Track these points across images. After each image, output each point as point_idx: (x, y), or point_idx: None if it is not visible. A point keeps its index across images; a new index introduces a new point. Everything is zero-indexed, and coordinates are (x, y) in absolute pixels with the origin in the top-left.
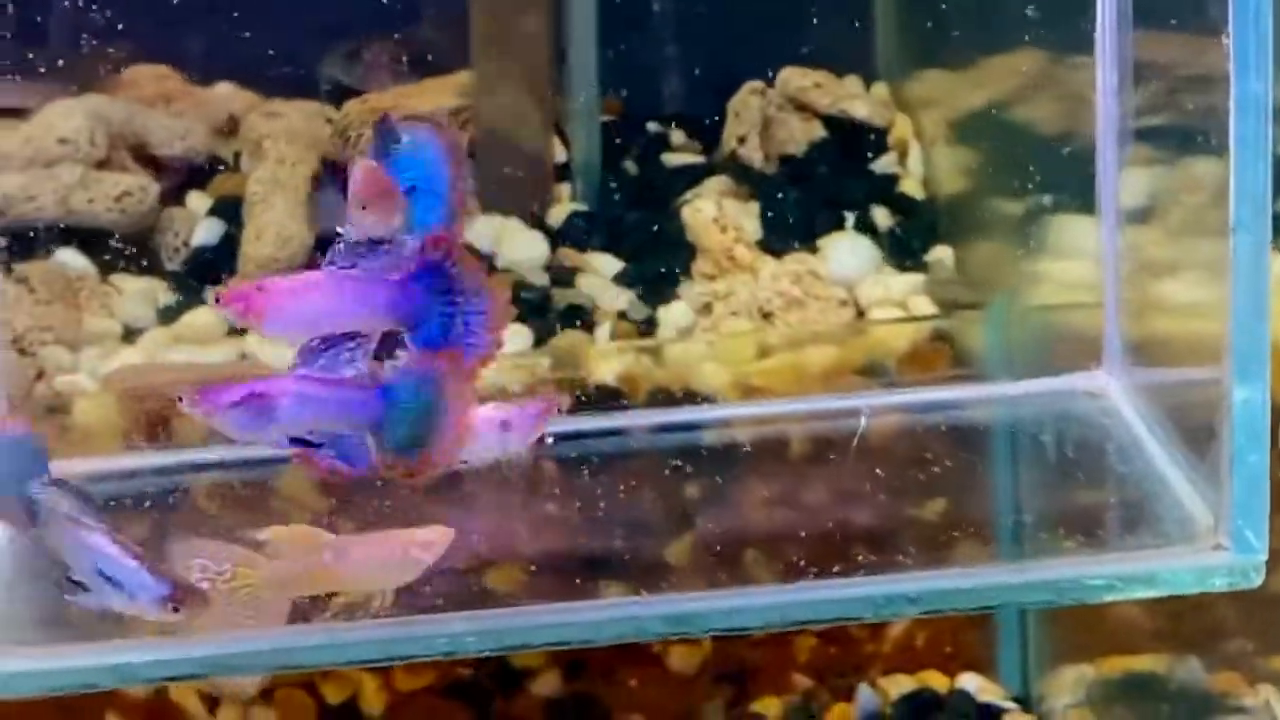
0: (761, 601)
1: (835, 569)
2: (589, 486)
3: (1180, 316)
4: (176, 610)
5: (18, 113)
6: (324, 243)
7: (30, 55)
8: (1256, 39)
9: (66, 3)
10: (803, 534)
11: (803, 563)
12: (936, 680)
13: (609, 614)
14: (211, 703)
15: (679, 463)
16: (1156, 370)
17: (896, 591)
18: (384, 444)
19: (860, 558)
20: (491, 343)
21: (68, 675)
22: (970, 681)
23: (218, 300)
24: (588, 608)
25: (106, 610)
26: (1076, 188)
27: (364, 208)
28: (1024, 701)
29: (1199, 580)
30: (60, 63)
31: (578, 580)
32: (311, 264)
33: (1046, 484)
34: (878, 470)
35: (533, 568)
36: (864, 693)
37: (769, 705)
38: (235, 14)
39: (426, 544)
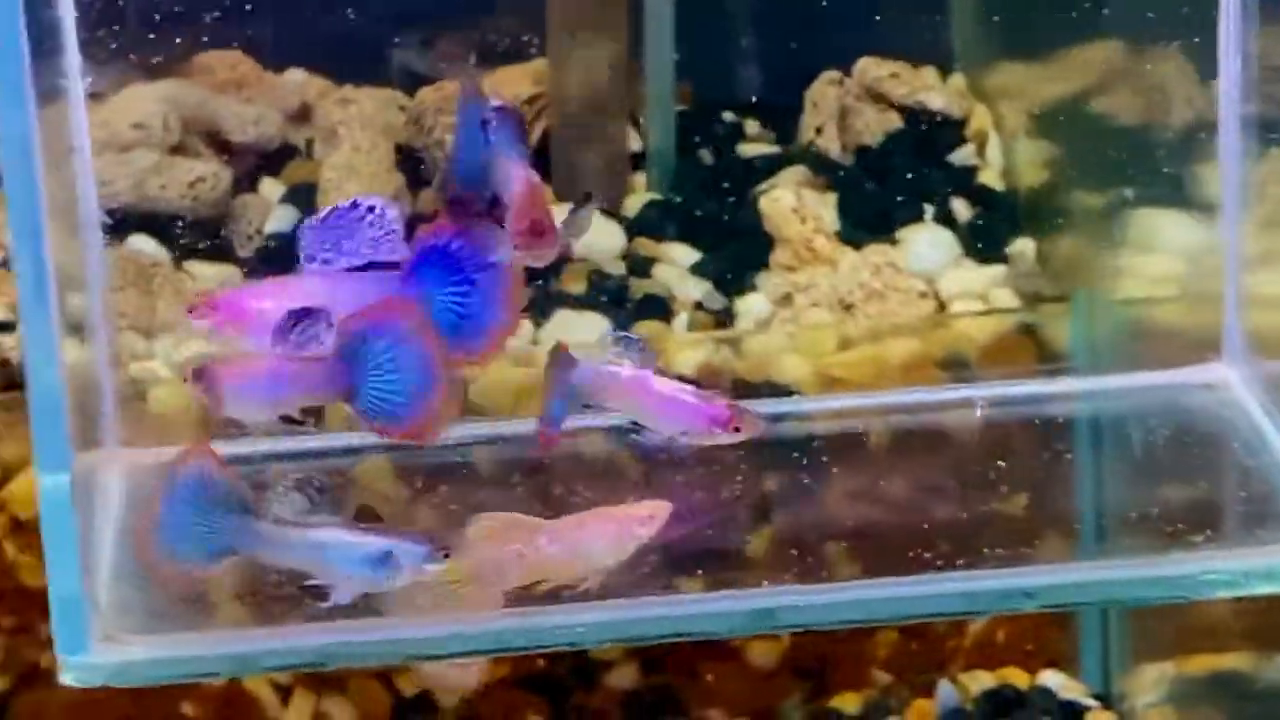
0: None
1: (965, 562)
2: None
3: None
4: (447, 555)
5: (92, 97)
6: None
7: (104, 39)
8: None
9: None
10: (926, 526)
11: (928, 555)
12: (1018, 677)
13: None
14: (284, 692)
15: (809, 452)
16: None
17: (1014, 586)
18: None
19: (985, 550)
20: (503, 322)
21: (186, 664)
22: (1052, 678)
23: (190, 311)
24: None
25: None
26: (1161, 180)
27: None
28: (1105, 699)
29: None
30: (134, 47)
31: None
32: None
33: (1169, 477)
34: (1000, 462)
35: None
36: (944, 689)
37: (848, 701)
38: (307, 1)
39: (645, 519)
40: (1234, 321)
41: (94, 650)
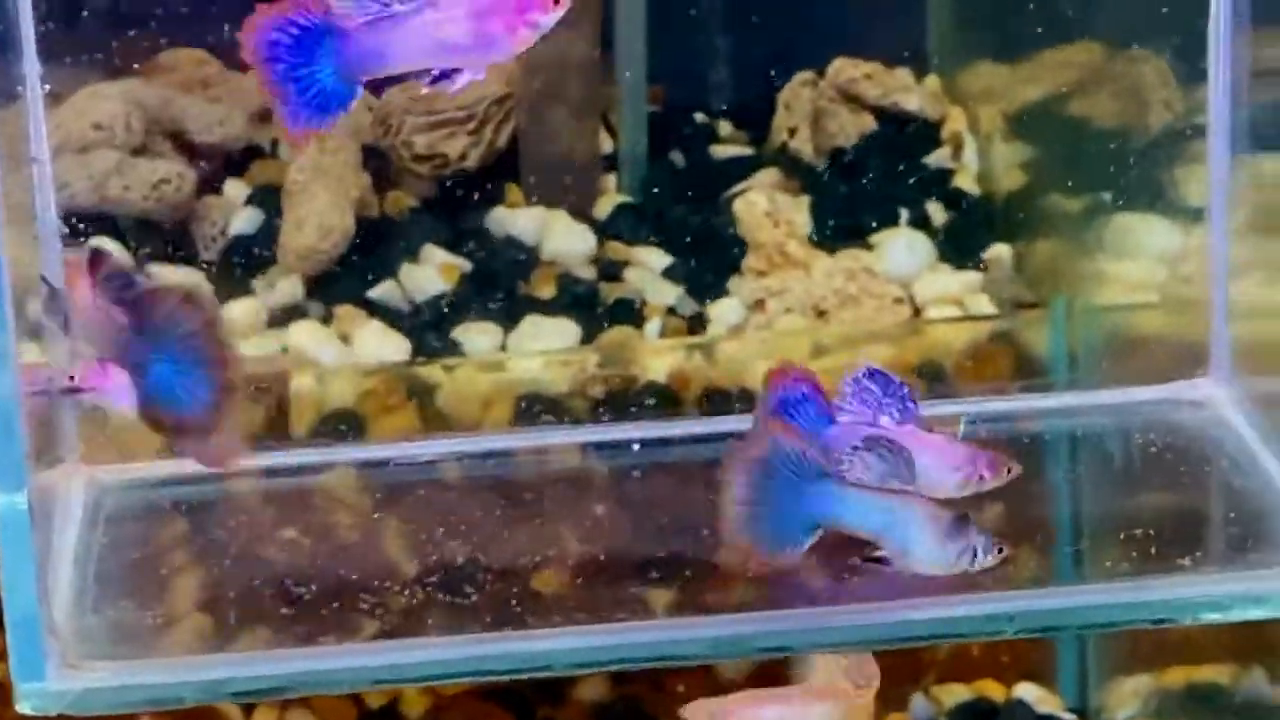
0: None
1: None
2: None
3: None
4: (1002, 551)
5: (51, 97)
6: (364, 233)
7: (64, 38)
8: None
9: None
10: None
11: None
12: (993, 690)
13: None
14: (248, 707)
15: None
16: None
17: (996, 611)
18: None
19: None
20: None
21: (149, 691)
22: (1028, 691)
23: None
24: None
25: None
26: (1140, 185)
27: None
28: (1082, 713)
29: None
30: (95, 46)
31: None
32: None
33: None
34: None
35: None
36: (918, 702)
37: None
38: None
39: None
40: (1222, 332)
41: (52, 677)
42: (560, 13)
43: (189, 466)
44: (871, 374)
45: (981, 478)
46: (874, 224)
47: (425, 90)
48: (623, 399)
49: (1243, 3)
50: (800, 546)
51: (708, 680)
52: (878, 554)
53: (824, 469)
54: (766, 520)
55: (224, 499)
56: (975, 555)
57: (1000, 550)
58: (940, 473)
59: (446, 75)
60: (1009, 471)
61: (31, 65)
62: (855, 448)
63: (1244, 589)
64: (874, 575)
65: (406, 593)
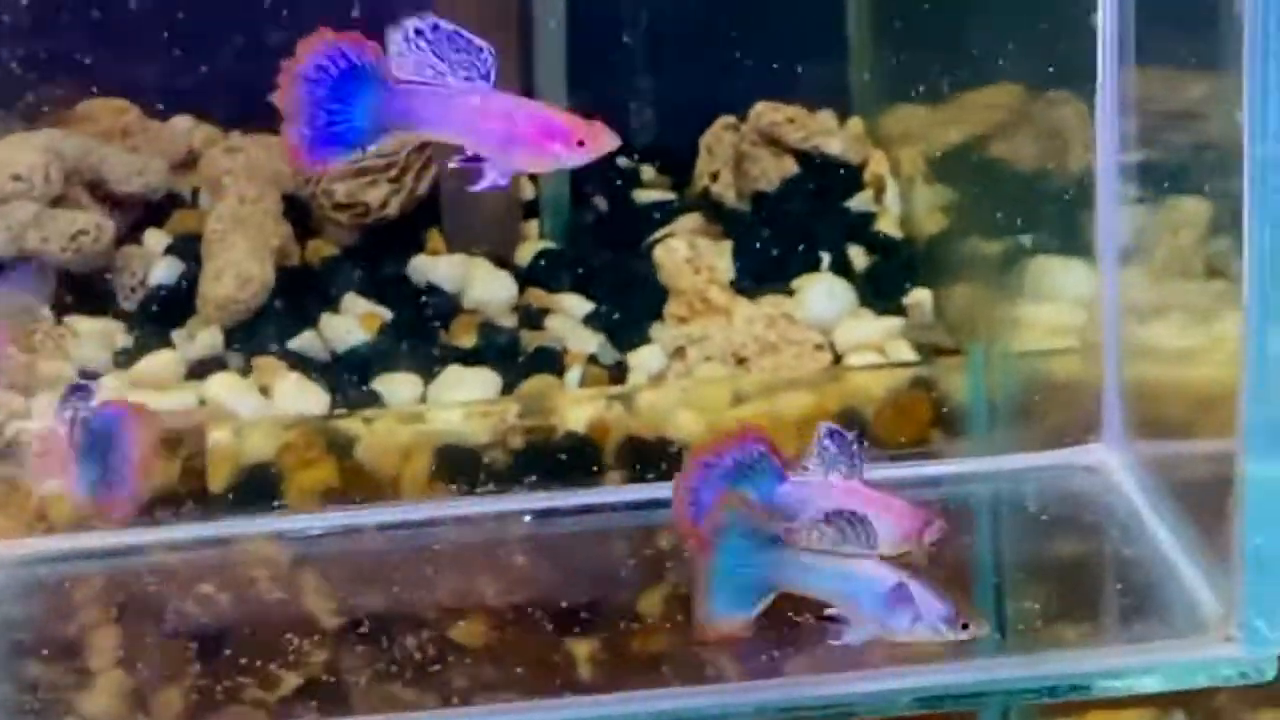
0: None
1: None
2: None
3: (1184, 379)
4: (965, 628)
5: None
6: (284, 283)
7: None
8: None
9: (20, 34)
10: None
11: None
12: None
13: None
14: None
15: None
16: (1161, 443)
17: (891, 688)
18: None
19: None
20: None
21: None
22: None
23: None
24: None
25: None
26: (1060, 228)
27: None
28: None
29: (1208, 673)
30: (13, 95)
31: None
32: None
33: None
34: None
35: None
36: None
37: None
38: (193, 45)
39: None
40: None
41: None
42: (583, 158)
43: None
44: (830, 433)
45: (920, 535)
46: (796, 269)
47: (452, 168)
48: (542, 450)
49: (1128, 43)
50: (752, 612)
51: None
52: (834, 612)
53: (778, 535)
54: (731, 588)
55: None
56: (938, 625)
57: (965, 627)
58: (883, 529)
59: (472, 160)
60: (939, 530)
61: None
62: (816, 519)
63: (1137, 662)
64: (811, 640)
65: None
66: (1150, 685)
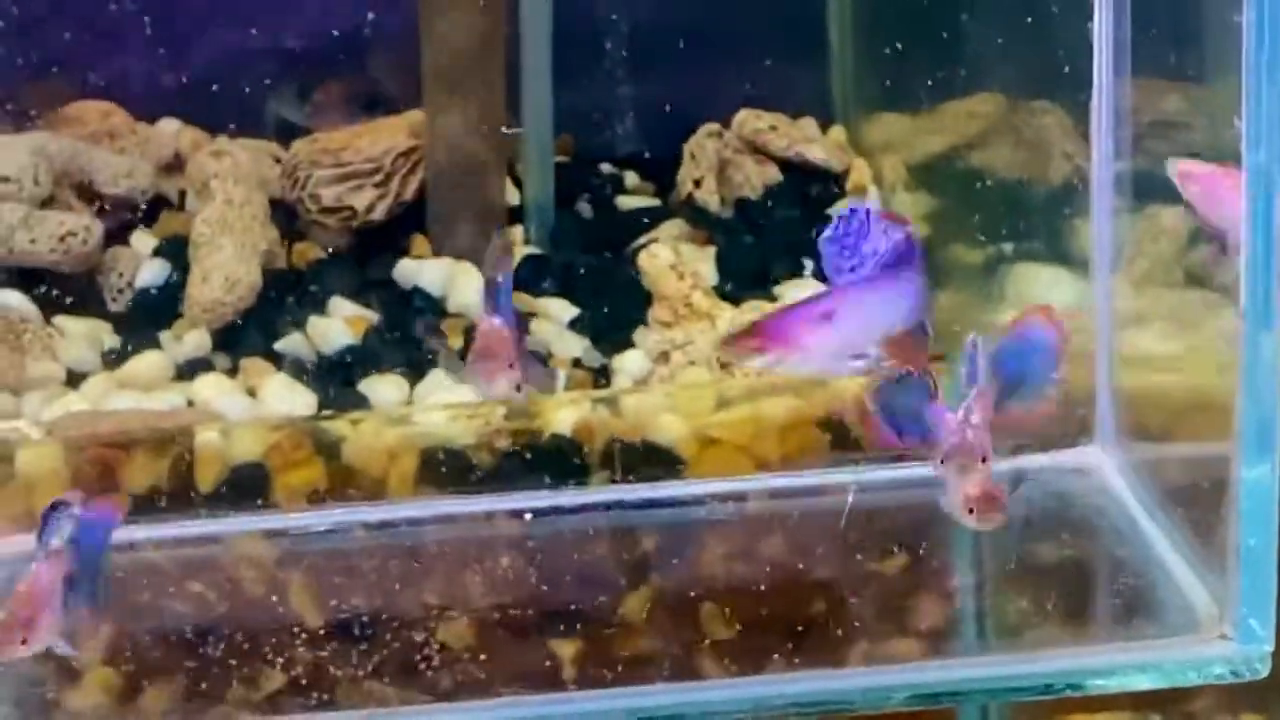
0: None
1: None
2: None
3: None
4: None
5: None
6: (271, 285)
7: None
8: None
9: (8, 36)
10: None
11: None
12: None
13: None
14: None
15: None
16: (1153, 445)
17: (881, 683)
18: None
19: (850, 644)
20: None
21: None
22: None
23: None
24: None
25: None
26: (1041, 235)
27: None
28: None
29: (1201, 671)
30: (1, 98)
31: None
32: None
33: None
34: (858, 555)
35: None
36: None
37: None
38: (182, 49)
39: None
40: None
41: None
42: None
43: None
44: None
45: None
46: (779, 275)
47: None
48: (527, 452)
49: (1124, 54)
50: None
51: None
52: None
53: None
54: None
55: None
56: None
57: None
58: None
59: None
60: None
61: None
62: None
63: (1132, 660)
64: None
65: None
66: (1144, 683)
